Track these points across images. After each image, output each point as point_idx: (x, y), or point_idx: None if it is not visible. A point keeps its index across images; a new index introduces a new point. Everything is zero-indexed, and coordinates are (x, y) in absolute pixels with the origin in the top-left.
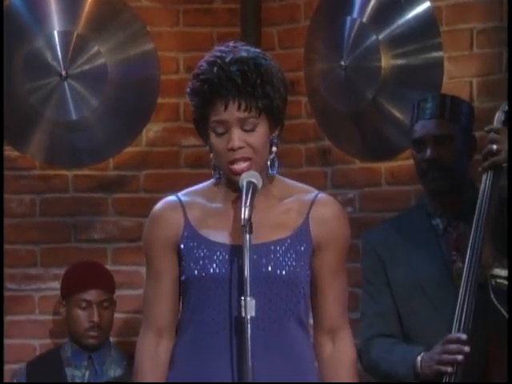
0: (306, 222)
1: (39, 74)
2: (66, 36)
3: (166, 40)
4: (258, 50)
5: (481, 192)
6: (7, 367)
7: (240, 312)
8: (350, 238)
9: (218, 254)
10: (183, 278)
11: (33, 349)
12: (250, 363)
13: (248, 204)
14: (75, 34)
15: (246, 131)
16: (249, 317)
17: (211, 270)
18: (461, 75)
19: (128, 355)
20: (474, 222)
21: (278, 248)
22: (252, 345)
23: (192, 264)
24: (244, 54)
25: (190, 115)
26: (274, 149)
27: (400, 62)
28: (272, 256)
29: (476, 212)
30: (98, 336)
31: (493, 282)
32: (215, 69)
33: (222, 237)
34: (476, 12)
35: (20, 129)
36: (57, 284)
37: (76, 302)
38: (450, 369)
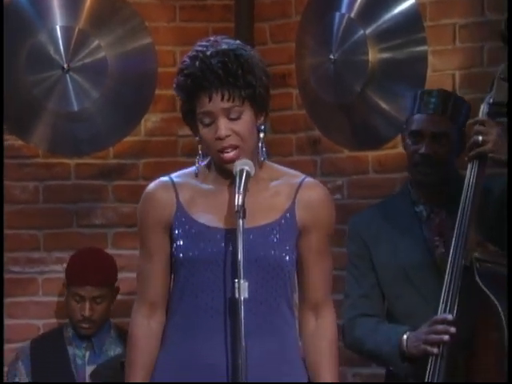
0: (293, 206)
1: (42, 67)
2: (67, 31)
3: (163, 35)
4: (238, 42)
5: (466, 180)
6: (12, 346)
7: (231, 294)
8: (335, 220)
9: (208, 236)
10: (173, 258)
11: (36, 328)
12: (244, 343)
13: (241, 190)
14: (77, 29)
15: (232, 120)
16: (242, 298)
17: (201, 252)
18: (444, 68)
19: (127, 334)
20: (460, 208)
21: (266, 232)
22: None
23: (182, 245)
24: (224, 46)
25: None
26: (262, 135)
27: (386, 55)
28: (260, 240)
29: (462, 199)
30: (89, 327)
31: (477, 265)
32: (197, 63)
33: (212, 220)
34: (458, 8)
35: (24, 119)
36: (59, 267)
37: (72, 294)
38: (436, 350)
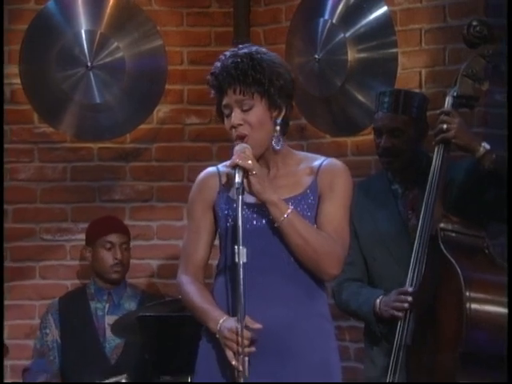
0: (315, 180)
1: (69, 65)
2: (91, 34)
3: (172, 37)
4: (262, 49)
5: (433, 162)
6: (45, 302)
7: (266, 258)
8: (351, 186)
9: (246, 211)
10: (219, 230)
11: (65, 288)
12: (243, 302)
13: (240, 170)
14: (99, 33)
15: (245, 111)
16: (241, 262)
17: (241, 224)
18: (412, 66)
19: (141, 293)
20: (428, 186)
21: (293, 203)
22: (281, 281)
23: (223, 220)
24: (244, 50)
25: (192, 99)
26: (278, 128)
27: (363, 55)
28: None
29: (429, 178)
30: (120, 271)
31: (442, 234)
32: (219, 64)
33: (247, 197)
34: (424, 15)
35: (54, 109)
36: (84, 236)
37: (101, 245)
38: (400, 314)
